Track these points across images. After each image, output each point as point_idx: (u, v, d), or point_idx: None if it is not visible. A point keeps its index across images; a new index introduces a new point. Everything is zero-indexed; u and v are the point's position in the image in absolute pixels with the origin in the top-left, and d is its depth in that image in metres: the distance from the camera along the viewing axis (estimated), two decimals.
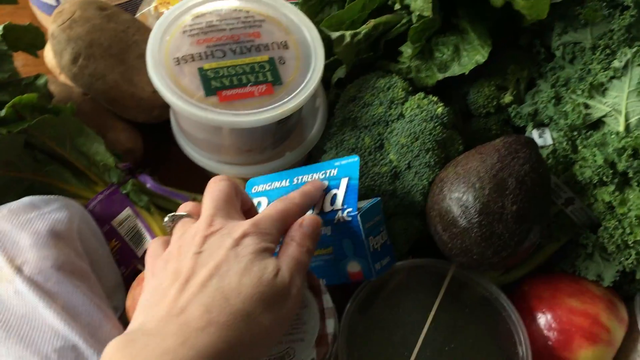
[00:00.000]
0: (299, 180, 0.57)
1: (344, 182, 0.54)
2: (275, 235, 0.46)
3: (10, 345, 0.49)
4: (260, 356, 0.42)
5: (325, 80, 0.75)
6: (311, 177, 0.56)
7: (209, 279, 0.41)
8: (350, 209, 0.52)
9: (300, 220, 0.48)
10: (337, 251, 0.54)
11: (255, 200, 0.56)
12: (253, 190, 0.59)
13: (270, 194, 0.57)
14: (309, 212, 0.53)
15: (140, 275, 0.58)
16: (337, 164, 0.56)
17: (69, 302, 0.53)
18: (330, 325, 0.49)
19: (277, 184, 0.58)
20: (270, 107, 0.60)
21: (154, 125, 0.76)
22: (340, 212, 0.52)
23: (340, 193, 0.53)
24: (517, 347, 0.56)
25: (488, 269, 0.58)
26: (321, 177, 0.56)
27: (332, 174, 0.55)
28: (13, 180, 0.63)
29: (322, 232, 0.51)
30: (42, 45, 0.69)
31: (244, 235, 0.43)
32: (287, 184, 0.57)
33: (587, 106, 0.60)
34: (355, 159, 0.55)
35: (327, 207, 0.53)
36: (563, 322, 0.58)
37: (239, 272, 0.41)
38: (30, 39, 0.67)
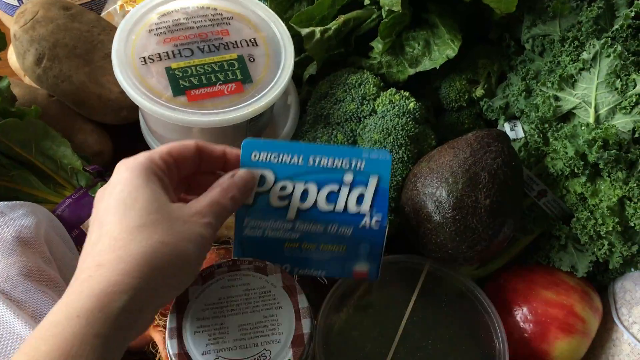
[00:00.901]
0: (316, 163, 0.50)
1: (372, 182, 0.50)
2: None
3: None
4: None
5: (297, 77, 0.74)
6: (332, 163, 0.50)
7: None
8: (379, 218, 0.50)
9: (233, 171, 0.47)
10: (351, 252, 0.51)
11: (257, 173, 0.49)
12: (253, 157, 0.49)
13: (279, 169, 0.49)
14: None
15: None
16: (365, 155, 0.50)
17: (38, 310, 0.51)
18: (306, 325, 0.49)
19: (286, 158, 0.50)
20: (240, 105, 0.59)
21: (123, 127, 0.75)
22: (367, 218, 0.50)
23: (368, 194, 0.50)
24: (494, 340, 0.56)
25: (463, 263, 0.58)
26: (345, 166, 0.50)
27: (359, 167, 0.50)
28: None
29: (341, 232, 0.50)
30: (3, 46, 0.67)
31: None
32: (301, 162, 0.50)
33: (557, 98, 0.60)
34: (387, 156, 0.50)
35: (352, 208, 0.50)
36: (539, 314, 0.58)
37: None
38: None
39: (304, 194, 0.50)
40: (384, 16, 0.65)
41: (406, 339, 0.58)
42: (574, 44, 0.62)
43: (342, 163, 0.50)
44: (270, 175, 0.50)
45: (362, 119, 0.65)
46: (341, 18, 0.68)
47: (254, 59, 0.62)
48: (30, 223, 0.56)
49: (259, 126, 0.66)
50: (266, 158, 0.50)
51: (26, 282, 0.52)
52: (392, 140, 0.61)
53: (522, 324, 0.58)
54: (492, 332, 0.57)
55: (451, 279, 0.60)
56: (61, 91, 0.69)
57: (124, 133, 0.76)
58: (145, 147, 0.70)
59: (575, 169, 0.57)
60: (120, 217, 0.40)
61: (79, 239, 0.63)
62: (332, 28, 0.68)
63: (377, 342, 0.58)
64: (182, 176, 0.47)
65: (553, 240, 0.61)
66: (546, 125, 0.61)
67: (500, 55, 0.71)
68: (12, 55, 0.78)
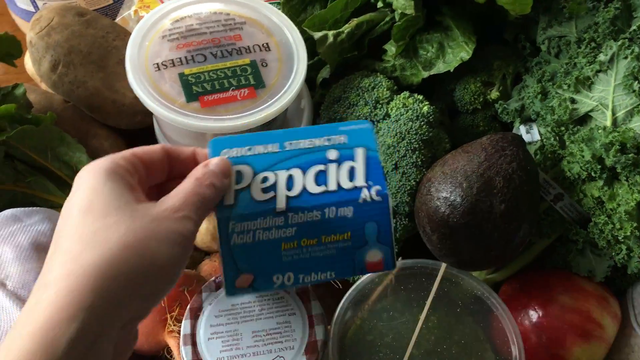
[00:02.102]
0: (293, 147, 0.45)
1: (360, 153, 0.45)
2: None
3: None
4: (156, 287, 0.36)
5: (310, 80, 0.74)
6: (310, 143, 0.45)
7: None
8: (378, 187, 0.44)
9: (206, 161, 0.41)
10: (357, 237, 0.44)
11: (232, 170, 0.44)
12: (223, 154, 0.44)
13: (255, 161, 0.44)
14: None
15: None
16: (343, 128, 0.46)
17: None
18: (320, 331, 0.49)
19: (260, 149, 0.45)
20: (253, 110, 0.59)
21: (137, 132, 0.75)
22: (366, 190, 0.44)
23: (359, 166, 0.45)
24: (510, 346, 0.56)
25: (478, 268, 0.58)
26: (325, 143, 0.45)
27: (340, 142, 0.45)
28: None
29: (341, 214, 0.44)
30: (19, 54, 0.68)
31: None
32: (277, 149, 0.45)
33: (573, 101, 0.59)
34: (365, 124, 0.46)
35: (346, 184, 0.44)
36: (555, 319, 0.57)
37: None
38: (6, 48, 0.66)
39: (289, 181, 0.44)
40: (397, 19, 0.65)
41: (421, 344, 0.58)
42: (590, 45, 0.61)
43: (321, 142, 0.46)
44: (247, 169, 0.44)
45: (375, 122, 0.64)
46: (354, 21, 0.68)
47: (266, 64, 0.62)
48: (46, 229, 0.57)
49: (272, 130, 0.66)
50: (238, 153, 0.44)
51: None
52: (405, 144, 0.61)
53: (538, 330, 0.58)
54: (508, 337, 0.56)
55: (466, 283, 0.60)
56: (76, 97, 0.70)
57: (139, 138, 0.76)
58: None
59: (592, 172, 0.56)
60: (75, 225, 0.34)
61: None
62: (345, 31, 0.67)
63: (391, 347, 0.58)
64: (153, 183, 0.41)
65: (570, 245, 0.60)
66: (562, 129, 0.60)
67: (516, 56, 0.70)
68: (28, 61, 0.79)
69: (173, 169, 0.42)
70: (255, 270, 0.42)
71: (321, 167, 0.44)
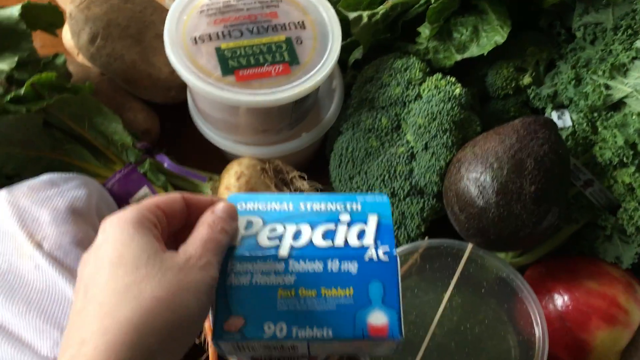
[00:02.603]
0: (308, 208, 0.46)
1: (372, 219, 0.45)
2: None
3: (30, 319, 0.50)
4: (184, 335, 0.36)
5: (342, 62, 0.74)
6: (325, 207, 0.46)
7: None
8: (386, 247, 0.44)
9: (212, 207, 0.42)
10: (360, 295, 0.42)
11: (243, 219, 0.45)
12: (239, 207, 0.46)
13: (267, 215, 0.45)
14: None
15: None
16: (360, 199, 0.46)
17: None
18: None
19: (275, 206, 0.46)
20: (287, 86, 0.60)
21: (171, 106, 0.77)
22: (373, 249, 0.44)
23: (369, 230, 0.45)
24: (534, 327, 0.56)
25: (505, 250, 0.58)
26: (339, 209, 0.46)
27: (355, 209, 0.46)
28: (32, 159, 0.63)
29: (344, 268, 0.43)
30: (60, 23, 0.70)
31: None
32: (292, 208, 0.46)
33: (607, 87, 0.59)
34: (383, 198, 0.47)
35: (354, 242, 0.44)
36: (580, 303, 0.57)
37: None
38: (49, 17, 0.68)
39: (297, 234, 0.44)
40: (432, 1, 0.65)
41: (443, 323, 0.59)
42: (627, 32, 0.61)
43: (336, 207, 0.46)
44: (257, 220, 0.45)
45: (407, 103, 0.65)
46: (389, 2, 0.68)
47: (301, 42, 0.63)
48: (82, 195, 0.58)
49: (303, 108, 0.67)
50: (253, 207, 0.46)
51: (78, 250, 0.54)
52: (436, 125, 0.61)
53: (562, 313, 0.58)
54: (532, 319, 0.56)
55: (492, 265, 0.60)
56: (113, 70, 0.72)
57: (172, 113, 0.78)
58: (192, 126, 0.72)
59: (625, 158, 0.56)
60: (106, 278, 0.35)
61: None
62: (380, 12, 0.68)
63: (414, 325, 0.59)
64: (172, 231, 0.42)
65: (598, 231, 0.60)
66: (595, 114, 0.60)
67: (550, 43, 0.70)
68: (66, 33, 0.81)
69: (190, 217, 0.42)
70: (247, 314, 0.41)
71: (331, 226, 0.45)
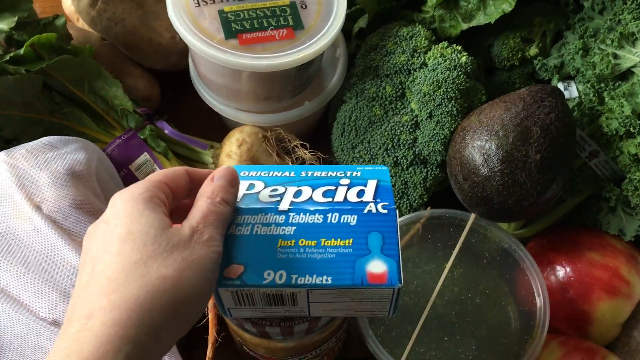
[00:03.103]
0: (309, 174, 0.47)
1: (372, 183, 0.46)
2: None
3: (29, 280, 0.50)
4: (190, 309, 0.36)
5: (346, 32, 0.73)
6: (326, 174, 0.47)
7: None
8: (386, 202, 0.44)
9: (210, 175, 0.41)
10: (359, 245, 0.42)
11: (245, 183, 0.46)
12: (242, 174, 0.47)
13: (269, 179, 0.47)
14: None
15: None
16: (360, 168, 0.48)
17: None
18: None
19: (277, 173, 0.47)
20: (291, 51, 0.59)
21: (172, 73, 0.76)
22: (372, 204, 0.44)
23: (369, 190, 0.45)
24: (535, 298, 0.56)
25: (508, 220, 0.58)
26: (340, 175, 0.47)
27: (354, 175, 0.47)
28: (31, 122, 0.63)
29: (344, 220, 0.43)
30: None
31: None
32: (293, 175, 0.47)
33: (616, 56, 0.58)
34: (383, 167, 0.48)
35: (353, 198, 0.45)
36: (582, 274, 0.57)
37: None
38: None
39: (297, 193, 0.45)
40: None
41: (444, 294, 0.58)
42: (637, 1, 0.60)
43: (336, 173, 0.47)
44: (259, 183, 0.46)
45: (412, 71, 0.64)
46: None
47: (306, 6, 0.62)
48: (82, 158, 0.57)
49: (307, 75, 0.66)
50: (256, 174, 0.47)
51: (77, 213, 0.53)
52: (442, 93, 0.60)
53: (564, 284, 0.58)
54: (534, 289, 0.56)
55: (494, 235, 0.60)
56: (114, 34, 0.70)
57: (173, 80, 0.77)
58: (193, 94, 0.71)
59: (631, 128, 0.55)
60: (114, 253, 0.35)
61: (127, 179, 0.65)
62: None
63: (415, 294, 0.59)
64: (175, 205, 0.42)
65: (602, 203, 0.60)
66: (602, 84, 0.59)
67: (557, 13, 0.69)
68: (66, 0, 0.80)
69: (193, 190, 0.42)
70: (247, 262, 0.41)
71: (331, 187, 0.45)
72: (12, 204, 0.53)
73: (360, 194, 0.45)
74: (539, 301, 0.55)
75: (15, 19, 0.60)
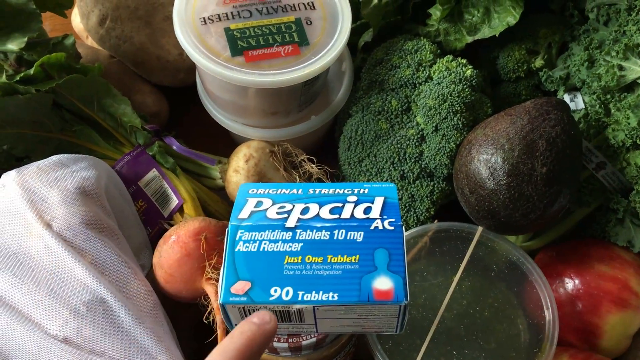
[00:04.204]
0: (317, 192, 0.48)
1: (379, 200, 0.46)
2: None
3: (40, 298, 0.50)
4: None
5: (352, 45, 0.74)
6: (333, 191, 0.48)
7: None
8: (393, 219, 0.45)
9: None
10: (366, 261, 0.43)
11: (254, 200, 0.47)
12: (250, 191, 0.48)
13: (277, 197, 0.47)
14: None
15: (166, 234, 0.58)
16: (368, 185, 0.48)
17: (98, 257, 0.53)
18: None
19: (285, 190, 0.48)
20: (296, 67, 0.60)
21: (180, 89, 0.76)
22: (379, 221, 0.45)
23: (375, 207, 0.46)
24: (544, 311, 0.55)
25: (515, 233, 0.57)
26: (347, 192, 0.47)
27: (362, 192, 0.47)
28: (41, 140, 0.63)
29: (350, 237, 0.44)
30: (69, 4, 0.69)
31: None
32: (301, 192, 0.48)
33: (621, 68, 0.58)
34: (391, 184, 0.48)
35: (359, 215, 0.45)
36: (591, 287, 0.57)
37: None
38: None
39: (305, 210, 0.46)
40: None
41: (453, 307, 0.58)
42: None
43: (343, 191, 0.47)
44: (267, 200, 0.47)
45: (417, 85, 0.64)
46: None
47: (311, 22, 0.63)
48: (91, 176, 0.58)
49: (313, 90, 0.66)
50: (264, 192, 0.48)
51: (87, 231, 0.54)
52: (447, 106, 0.60)
53: (573, 296, 0.58)
54: (542, 302, 0.56)
55: (502, 248, 0.60)
56: (122, 52, 0.71)
57: (181, 96, 0.78)
58: (201, 109, 0.72)
59: (638, 140, 0.55)
60: None
61: (136, 195, 0.65)
62: None
63: (423, 308, 0.59)
64: None
65: (610, 214, 0.59)
66: (608, 96, 0.59)
67: (562, 25, 0.69)
68: (76, 16, 0.81)
69: None
70: (254, 279, 0.41)
71: (338, 204, 0.46)
72: (23, 222, 0.54)
73: (367, 210, 0.45)
74: (548, 314, 0.55)
75: (25, 39, 0.61)
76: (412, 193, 0.62)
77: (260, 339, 0.36)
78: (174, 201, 0.65)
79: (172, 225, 0.63)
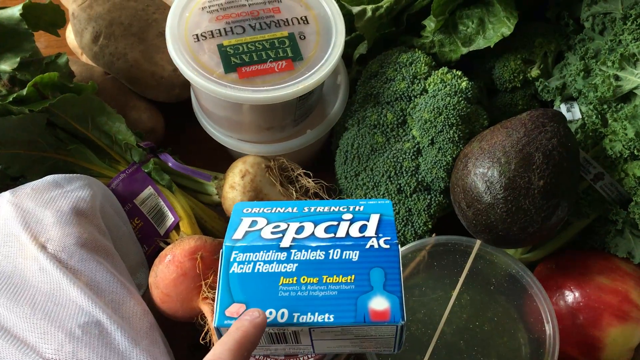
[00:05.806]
0: (312, 210, 0.47)
1: (374, 217, 0.46)
2: None
3: (35, 321, 0.50)
4: None
5: (347, 57, 0.74)
6: (328, 209, 0.48)
7: None
8: (388, 237, 0.45)
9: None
10: (361, 281, 0.43)
11: (248, 220, 0.47)
12: (244, 210, 0.48)
13: (271, 215, 0.47)
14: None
15: (162, 253, 0.58)
16: (363, 202, 0.48)
17: (93, 278, 0.53)
18: None
19: (279, 209, 0.48)
20: (290, 82, 0.59)
21: (174, 105, 0.76)
22: (375, 239, 0.45)
23: (371, 224, 0.46)
24: (544, 325, 0.55)
25: (514, 246, 0.57)
26: (343, 210, 0.47)
27: (357, 209, 0.47)
28: (36, 160, 0.63)
29: (346, 256, 0.44)
30: (62, 23, 0.69)
31: None
32: (296, 210, 0.48)
33: (617, 78, 0.58)
34: (387, 200, 0.48)
35: (355, 234, 0.45)
36: (592, 299, 0.56)
37: None
38: (51, 17, 0.67)
39: (300, 229, 0.45)
40: None
41: (452, 321, 0.58)
42: (637, 22, 0.59)
43: (339, 208, 0.47)
44: (262, 220, 0.47)
45: (412, 98, 0.64)
46: None
47: (304, 37, 0.62)
48: (86, 195, 0.58)
49: (308, 105, 0.66)
50: (259, 210, 0.48)
51: (82, 252, 0.54)
52: (442, 119, 0.60)
53: (574, 309, 0.57)
54: (542, 316, 0.55)
55: (500, 261, 0.59)
56: (116, 69, 0.71)
57: (176, 111, 0.77)
58: (197, 124, 0.71)
59: (635, 151, 0.54)
60: None
61: (132, 213, 0.65)
62: (384, 6, 0.67)
63: (423, 323, 0.58)
64: None
65: (609, 225, 0.59)
66: (605, 106, 0.59)
67: (558, 34, 0.69)
68: (70, 33, 0.80)
69: None
70: (248, 301, 0.41)
71: (333, 222, 0.46)
72: (18, 244, 0.53)
73: (363, 229, 0.45)
74: (548, 328, 0.55)
75: (18, 59, 0.61)
76: (410, 207, 0.62)
77: (254, 331, 0.39)
78: (170, 219, 0.64)
79: (168, 244, 0.62)
